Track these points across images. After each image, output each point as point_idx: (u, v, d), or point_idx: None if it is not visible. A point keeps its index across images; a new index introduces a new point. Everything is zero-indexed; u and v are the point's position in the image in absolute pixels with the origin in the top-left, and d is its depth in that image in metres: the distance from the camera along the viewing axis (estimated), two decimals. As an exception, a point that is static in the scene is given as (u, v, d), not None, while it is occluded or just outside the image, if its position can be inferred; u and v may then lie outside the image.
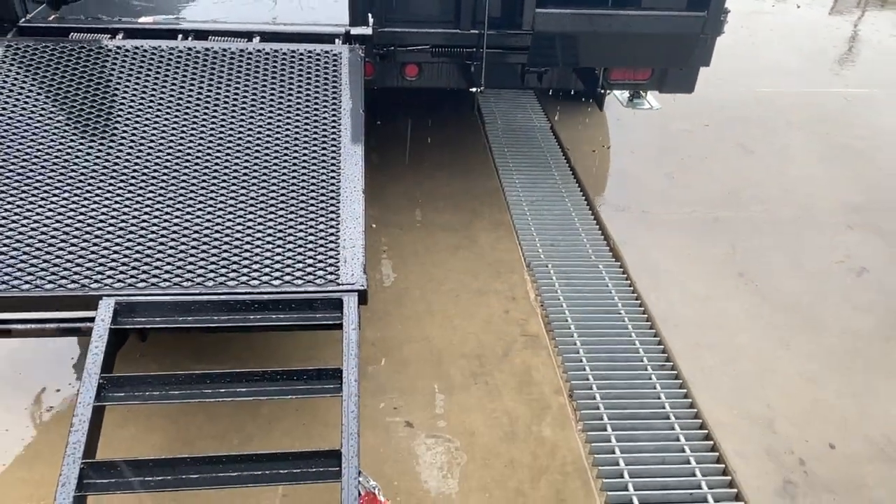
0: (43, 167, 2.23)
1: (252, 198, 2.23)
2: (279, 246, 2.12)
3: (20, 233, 2.07)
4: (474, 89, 2.85)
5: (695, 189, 3.73)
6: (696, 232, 3.38)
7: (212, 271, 2.04)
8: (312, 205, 2.23)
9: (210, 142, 2.36)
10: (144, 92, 2.47)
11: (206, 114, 2.43)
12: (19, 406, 2.31)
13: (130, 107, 2.42)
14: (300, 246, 2.13)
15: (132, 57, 2.56)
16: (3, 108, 2.36)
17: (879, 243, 3.37)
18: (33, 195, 2.16)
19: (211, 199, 2.21)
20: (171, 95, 2.47)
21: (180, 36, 2.69)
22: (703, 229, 3.40)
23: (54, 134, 2.31)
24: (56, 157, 2.26)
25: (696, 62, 2.86)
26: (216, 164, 2.30)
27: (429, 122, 4.24)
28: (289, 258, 2.09)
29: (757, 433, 2.34)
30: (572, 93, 3.83)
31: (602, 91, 3.04)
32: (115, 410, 2.08)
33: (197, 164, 2.29)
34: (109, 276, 2.01)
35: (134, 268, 2.03)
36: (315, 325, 2.07)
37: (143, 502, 2.01)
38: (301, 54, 2.66)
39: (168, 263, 2.05)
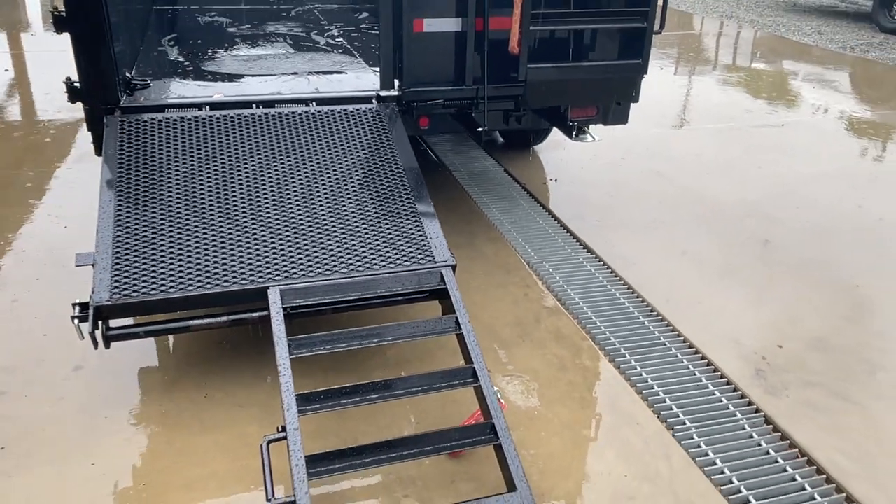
0: (194, 200, 2.87)
1: (353, 213, 2.96)
2: (387, 244, 2.86)
3: (195, 247, 2.70)
4: (480, 129, 3.73)
5: (631, 202, 4.75)
6: (642, 231, 4.36)
7: (342, 264, 2.74)
8: (399, 212, 2.99)
9: (308, 177, 3.07)
10: (244, 144, 3.16)
11: (296, 157, 3.15)
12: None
13: (238, 155, 3.10)
14: (402, 241, 2.88)
15: (223, 122, 3.26)
16: (145, 161, 2.98)
17: (773, 225, 4.48)
18: (196, 220, 2.79)
19: (325, 216, 2.92)
20: (264, 145, 3.18)
21: (253, 105, 3.41)
22: (646, 229, 4.39)
23: (192, 175, 2.96)
24: (200, 192, 2.90)
25: (632, 99, 3.89)
26: (320, 192, 3.02)
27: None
28: (397, 250, 2.83)
29: (728, 345, 3.25)
30: (501, 141, 4.80)
31: (571, 124, 3.99)
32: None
33: (305, 192, 3.00)
34: (269, 273, 2.66)
35: (285, 266, 2.70)
36: (425, 293, 2.80)
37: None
38: (352, 112, 3.45)
39: (309, 261, 2.73)
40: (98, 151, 3.33)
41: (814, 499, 2.45)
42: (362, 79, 3.95)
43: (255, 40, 4.74)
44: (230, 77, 3.86)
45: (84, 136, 5.31)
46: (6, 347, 3.06)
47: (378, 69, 4.05)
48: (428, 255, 2.86)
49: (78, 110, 3.84)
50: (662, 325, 3.41)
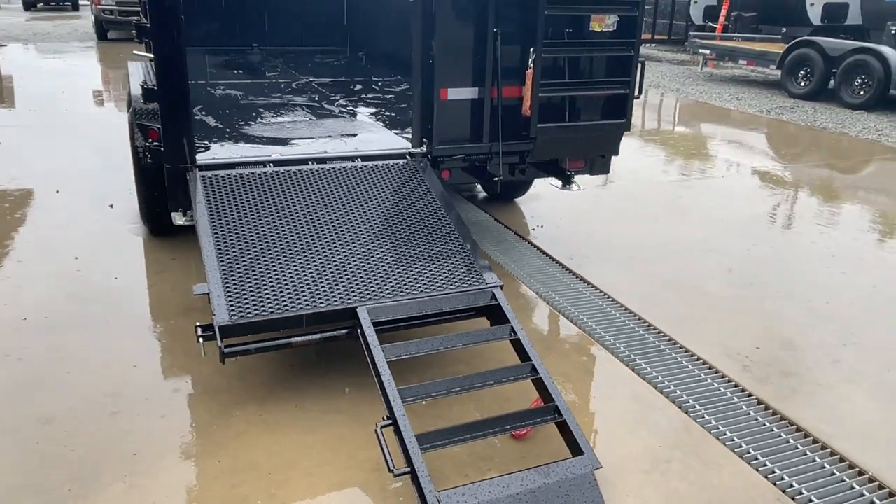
0: (282, 238, 3.38)
1: (415, 246, 3.54)
2: (446, 270, 3.44)
3: (292, 276, 3.21)
4: (496, 178, 4.38)
5: (607, 242, 5.47)
6: (622, 265, 5.06)
7: (414, 287, 3.30)
8: (451, 245, 3.59)
9: (371, 217, 3.64)
10: (310, 193, 3.71)
11: (356, 202, 3.72)
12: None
13: (307, 201, 3.65)
14: (457, 268, 3.46)
15: (287, 176, 3.81)
16: (231, 208, 3.49)
17: (728, 258, 5.28)
18: (288, 254, 3.31)
19: (393, 249, 3.49)
20: (327, 193, 3.74)
21: (308, 162, 3.98)
22: (625, 263, 5.10)
23: (275, 218, 3.48)
24: (286, 231, 3.42)
25: (615, 152, 4.65)
26: (384, 230, 3.59)
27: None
28: (454, 275, 3.42)
29: (716, 348, 3.92)
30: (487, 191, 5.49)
31: (568, 173, 4.70)
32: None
33: (373, 230, 3.57)
34: (356, 296, 3.19)
35: (368, 290, 3.23)
36: (481, 308, 3.38)
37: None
38: (392, 166, 4.06)
39: (387, 285, 3.28)
40: (174, 205, 3.83)
41: (805, 455, 3.09)
42: (387, 139, 4.57)
43: (277, 109, 5.32)
44: (276, 140, 4.42)
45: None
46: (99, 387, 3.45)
47: (394, 130, 4.72)
48: (479, 279, 3.45)
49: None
50: (660, 335, 4.06)
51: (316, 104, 5.61)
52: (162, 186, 4.48)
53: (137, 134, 4.60)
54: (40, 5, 26.66)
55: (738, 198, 6.77)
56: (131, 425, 3.10)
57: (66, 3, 26.91)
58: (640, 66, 4.34)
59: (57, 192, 6.12)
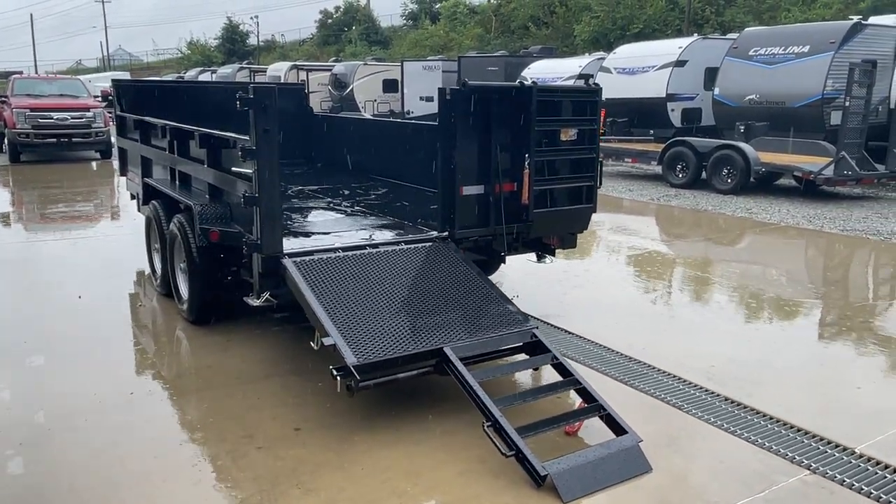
0: (370, 303, 4.41)
1: (469, 303, 4.66)
2: (498, 318, 4.58)
3: (390, 328, 4.23)
4: (503, 254, 5.61)
5: (571, 303, 6.78)
6: (588, 318, 6.36)
7: (480, 330, 4.41)
8: (493, 300, 4.74)
9: (427, 284, 4.74)
10: (375, 268, 4.78)
11: (412, 273, 4.82)
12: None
13: (375, 275, 4.71)
14: (504, 316, 4.61)
15: (354, 258, 4.86)
16: (323, 283, 4.49)
17: (668, 307, 6.70)
18: (380, 312, 4.34)
19: (456, 305, 4.59)
20: (388, 269, 4.82)
21: (366, 247, 5.06)
22: (591, 316, 6.40)
23: (358, 288, 4.51)
24: (369, 298, 4.46)
25: (584, 230, 6.04)
26: (442, 292, 4.69)
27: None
28: (505, 321, 4.56)
29: (680, 366, 5.21)
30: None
31: (552, 248, 5.99)
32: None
33: (434, 292, 4.66)
34: (439, 339, 4.25)
35: (447, 333, 4.31)
36: (527, 345, 4.51)
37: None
38: (428, 246, 5.21)
39: (460, 329, 4.36)
40: (263, 288, 4.77)
41: (767, 426, 4.37)
42: (409, 229, 5.73)
43: (301, 212, 6.37)
44: (327, 233, 5.47)
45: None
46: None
47: (406, 221, 5.90)
48: (521, 323, 4.61)
49: None
50: (638, 363, 5.32)
51: (327, 206, 6.70)
52: (214, 280, 5.44)
53: (198, 236, 5.49)
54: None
55: (652, 266, 8.35)
56: (278, 453, 3.95)
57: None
58: (600, 164, 5.80)
59: (80, 297, 6.75)
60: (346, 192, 7.54)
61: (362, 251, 4.99)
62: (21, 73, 32.13)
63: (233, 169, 4.94)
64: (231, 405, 4.53)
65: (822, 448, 4.09)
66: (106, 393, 4.67)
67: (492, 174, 5.45)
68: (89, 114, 18.41)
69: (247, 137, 4.59)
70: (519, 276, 7.70)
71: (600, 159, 5.81)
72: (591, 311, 6.59)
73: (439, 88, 5.27)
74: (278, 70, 33.78)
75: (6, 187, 14.60)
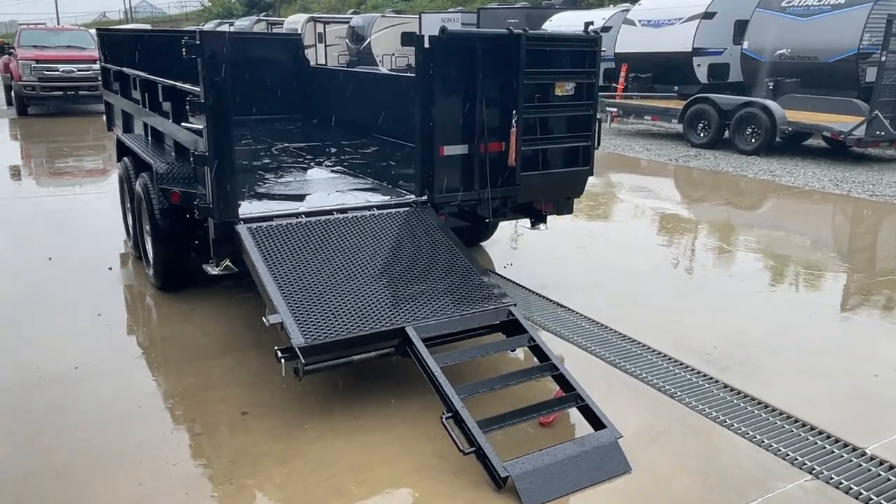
0: (330, 274, 3.98)
1: (442, 277, 4.21)
2: (470, 294, 4.12)
3: (348, 304, 3.80)
4: (487, 220, 5.13)
5: (570, 272, 6.30)
6: (588, 290, 5.88)
7: (448, 309, 3.96)
8: (469, 273, 4.28)
9: (398, 255, 4.29)
10: (342, 237, 4.34)
11: (383, 242, 4.37)
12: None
13: (341, 244, 4.27)
14: (479, 292, 4.16)
15: (318, 224, 4.42)
16: (279, 252, 4.06)
17: (673, 279, 6.20)
18: (339, 287, 3.91)
19: (426, 279, 4.14)
20: (356, 236, 4.37)
21: (333, 212, 4.61)
22: (590, 288, 5.93)
23: (319, 259, 4.08)
24: (331, 269, 4.03)
25: (580, 194, 5.51)
26: (412, 264, 4.24)
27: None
28: (477, 297, 4.11)
29: (680, 347, 4.74)
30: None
31: (543, 214, 5.50)
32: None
33: (404, 264, 4.21)
34: (402, 318, 3.82)
35: (411, 312, 3.87)
36: (502, 324, 4.06)
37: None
38: (403, 212, 4.74)
39: (426, 308, 3.93)
40: (219, 256, 4.36)
41: (768, 419, 3.90)
42: (388, 192, 5.26)
43: (276, 171, 5.92)
44: (293, 197, 5.03)
45: None
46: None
47: (385, 183, 5.43)
48: (497, 300, 4.15)
49: None
50: (634, 342, 4.86)
51: (307, 166, 6.25)
52: (178, 244, 5.01)
53: (159, 197, 5.09)
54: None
55: (665, 232, 7.81)
56: (218, 442, 3.58)
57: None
58: (597, 122, 5.25)
59: (49, 259, 6.42)
60: (334, 151, 7.08)
61: (328, 217, 4.55)
62: (44, 24, 31.59)
63: (182, 124, 4.50)
64: (180, 385, 4.17)
65: (827, 447, 3.63)
66: (46, 366, 4.34)
67: (476, 133, 4.94)
68: (96, 66, 17.98)
69: (198, 89, 4.13)
70: (520, 241, 7.23)
71: (598, 117, 5.25)
72: (591, 280, 6.11)
73: (416, 36, 4.74)
74: (295, 22, 32.96)
75: (13, 141, 14.34)
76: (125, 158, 6.38)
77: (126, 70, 6.72)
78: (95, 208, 8.54)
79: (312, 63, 9.52)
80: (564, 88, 5.20)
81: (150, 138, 6.15)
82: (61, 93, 17.61)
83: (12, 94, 18.37)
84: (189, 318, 5.12)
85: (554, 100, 5.14)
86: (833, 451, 3.59)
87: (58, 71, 17.47)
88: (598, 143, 5.32)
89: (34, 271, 6.12)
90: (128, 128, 7.16)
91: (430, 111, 4.78)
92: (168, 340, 4.78)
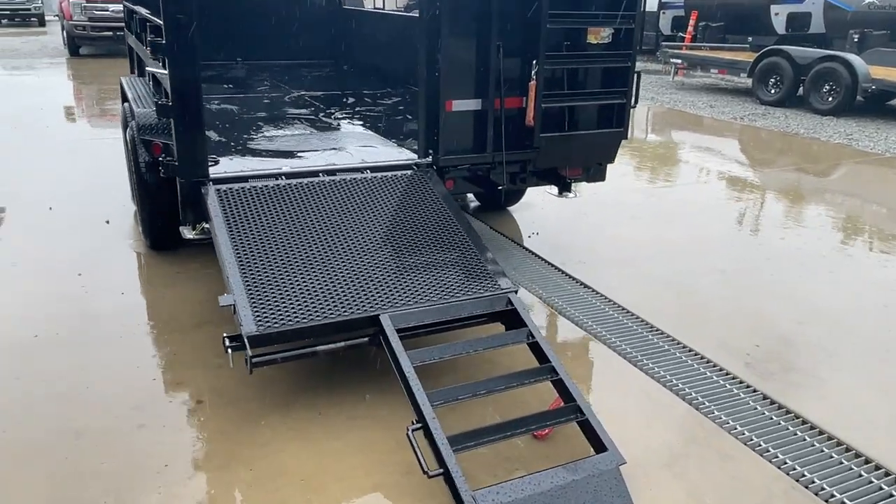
0: (301, 249, 3.45)
1: (432, 254, 3.62)
2: (463, 277, 3.53)
3: (314, 286, 3.27)
4: (500, 187, 4.50)
5: (597, 245, 5.62)
6: (620, 266, 5.20)
7: (433, 294, 3.38)
8: (465, 253, 3.68)
9: (387, 227, 3.72)
10: (324, 203, 3.78)
11: (370, 211, 3.80)
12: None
13: (322, 212, 3.72)
14: (473, 275, 3.56)
15: (299, 188, 3.87)
16: (247, 220, 3.54)
17: (721, 258, 5.45)
18: (309, 264, 3.37)
19: (412, 257, 3.57)
20: (340, 203, 3.81)
21: (319, 174, 4.05)
22: (623, 264, 5.24)
23: (292, 229, 3.55)
24: (304, 242, 3.49)
25: (612, 160, 4.80)
26: (401, 239, 3.67)
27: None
28: (471, 282, 3.51)
29: (721, 348, 4.06)
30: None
31: (568, 181, 4.82)
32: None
33: (390, 239, 3.64)
34: (378, 304, 3.27)
35: (389, 297, 3.31)
36: (497, 314, 3.47)
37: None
38: (400, 177, 4.15)
39: (407, 292, 3.36)
40: (186, 219, 3.87)
41: (813, 445, 3.23)
42: (391, 150, 4.66)
43: (277, 123, 5.38)
44: (282, 153, 4.48)
45: None
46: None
47: (394, 141, 4.83)
48: (495, 285, 3.54)
49: None
50: (662, 335, 4.20)
51: (314, 117, 5.68)
52: (165, 201, 4.52)
53: (141, 150, 4.62)
54: (5, 21, 26.22)
55: (722, 201, 6.99)
56: (159, 437, 3.14)
57: (33, 19, 26.52)
58: (636, 76, 4.50)
59: (50, 209, 6.09)
60: (351, 101, 6.49)
61: (313, 180, 3.99)
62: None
63: (147, 69, 3.97)
64: (139, 362, 3.74)
65: (875, 481, 2.95)
66: (4, 332, 3.98)
67: (491, 85, 4.27)
68: (146, 6, 17.72)
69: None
70: (551, 206, 6.56)
71: (636, 70, 4.49)
72: (626, 254, 5.42)
73: (421, -30, 4.06)
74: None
75: (71, 79, 14.21)
76: (124, 104, 5.93)
77: (128, 4, 6.25)
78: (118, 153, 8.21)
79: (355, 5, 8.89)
80: (600, 35, 4.46)
81: (150, 84, 5.68)
82: (111, 33, 17.40)
83: (64, 34, 18.30)
84: (172, 284, 4.68)
85: (587, 48, 4.41)
86: (882, 489, 2.92)
87: (108, 11, 17.23)
88: (637, 101, 4.57)
89: (26, 223, 5.80)
90: (141, 73, 6.73)
91: (435, 58, 4.13)
92: (142, 309, 4.36)
